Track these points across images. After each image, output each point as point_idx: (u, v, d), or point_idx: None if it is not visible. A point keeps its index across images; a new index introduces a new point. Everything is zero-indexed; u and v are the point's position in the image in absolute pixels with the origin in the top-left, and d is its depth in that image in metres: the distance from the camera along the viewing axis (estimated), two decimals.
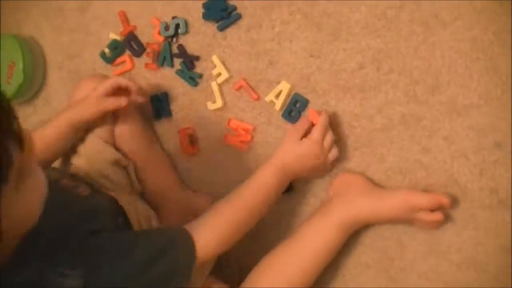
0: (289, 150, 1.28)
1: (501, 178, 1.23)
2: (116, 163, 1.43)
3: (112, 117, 1.42)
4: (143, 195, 1.49)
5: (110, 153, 1.42)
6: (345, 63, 1.36)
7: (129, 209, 1.29)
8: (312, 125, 1.29)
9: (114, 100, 1.36)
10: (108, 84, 1.36)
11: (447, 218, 1.25)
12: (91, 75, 1.54)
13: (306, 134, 1.29)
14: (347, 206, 1.26)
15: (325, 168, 1.33)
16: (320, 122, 1.28)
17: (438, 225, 1.25)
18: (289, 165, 1.27)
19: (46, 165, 1.33)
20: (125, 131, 1.45)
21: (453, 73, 1.27)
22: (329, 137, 1.29)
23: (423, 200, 1.21)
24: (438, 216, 1.22)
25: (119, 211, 1.26)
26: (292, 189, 1.41)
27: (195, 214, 1.38)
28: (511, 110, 1.22)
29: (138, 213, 1.33)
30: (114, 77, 1.44)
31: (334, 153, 1.31)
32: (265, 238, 1.43)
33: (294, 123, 1.38)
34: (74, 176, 1.29)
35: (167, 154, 1.56)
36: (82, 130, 1.39)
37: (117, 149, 1.45)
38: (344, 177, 1.34)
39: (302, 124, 1.30)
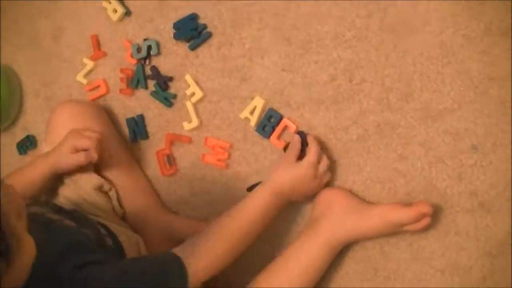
0: (286, 171, 1.24)
1: (479, 181, 1.19)
2: (99, 189, 1.38)
3: None
4: (125, 219, 1.44)
5: (94, 179, 1.38)
6: (317, 76, 1.31)
7: (119, 234, 1.27)
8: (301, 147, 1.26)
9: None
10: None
11: (429, 225, 1.20)
12: (66, 101, 1.48)
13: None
14: (333, 226, 1.21)
15: (318, 190, 1.28)
16: (315, 145, 1.24)
17: (425, 228, 1.21)
18: (285, 186, 1.23)
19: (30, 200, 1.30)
20: (105, 157, 1.39)
21: (425, 79, 1.23)
22: (325, 160, 1.25)
23: (405, 216, 1.17)
24: (423, 223, 1.17)
25: (108, 235, 1.22)
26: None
27: (176, 238, 1.35)
28: (485, 112, 1.18)
29: (129, 238, 1.31)
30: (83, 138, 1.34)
31: (328, 176, 1.27)
32: (250, 256, 1.37)
33: (268, 137, 1.34)
34: (59, 209, 1.24)
35: (146, 177, 1.50)
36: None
37: (99, 175, 1.41)
38: (328, 193, 1.28)
39: (295, 146, 1.26)
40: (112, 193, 1.41)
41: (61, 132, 1.37)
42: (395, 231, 1.21)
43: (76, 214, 1.25)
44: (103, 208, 1.38)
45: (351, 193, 1.28)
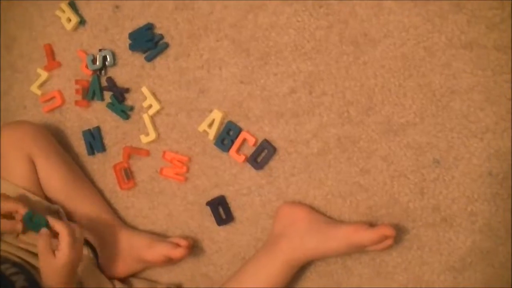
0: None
1: (442, 196, 1.15)
2: (47, 211, 1.26)
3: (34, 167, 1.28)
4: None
5: (37, 202, 1.26)
6: (276, 88, 1.24)
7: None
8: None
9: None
10: None
11: None
12: (9, 125, 1.35)
13: None
14: (293, 246, 1.15)
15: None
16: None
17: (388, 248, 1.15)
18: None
19: None
20: (49, 180, 1.29)
21: (386, 92, 1.17)
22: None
23: (368, 239, 1.11)
24: (386, 244, 1.12)
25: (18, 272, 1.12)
26: (232, 219, 1.28)
27: (135, 255, 1.31)
28: (447, 126, 1.13)
29: None
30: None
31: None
32: (206, 269, 1.31)
33: (227, 151, 1.27)
34: None
35: (100, 193, 1.40)
36: None
37: (46, 198, 1.30)
38: (289, 209, 1.21)
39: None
40: (61, 213, 1.29)
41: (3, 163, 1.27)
42: (357, 251, 1.17)
43: None
44: None
45: (313, 209, 1.21)
